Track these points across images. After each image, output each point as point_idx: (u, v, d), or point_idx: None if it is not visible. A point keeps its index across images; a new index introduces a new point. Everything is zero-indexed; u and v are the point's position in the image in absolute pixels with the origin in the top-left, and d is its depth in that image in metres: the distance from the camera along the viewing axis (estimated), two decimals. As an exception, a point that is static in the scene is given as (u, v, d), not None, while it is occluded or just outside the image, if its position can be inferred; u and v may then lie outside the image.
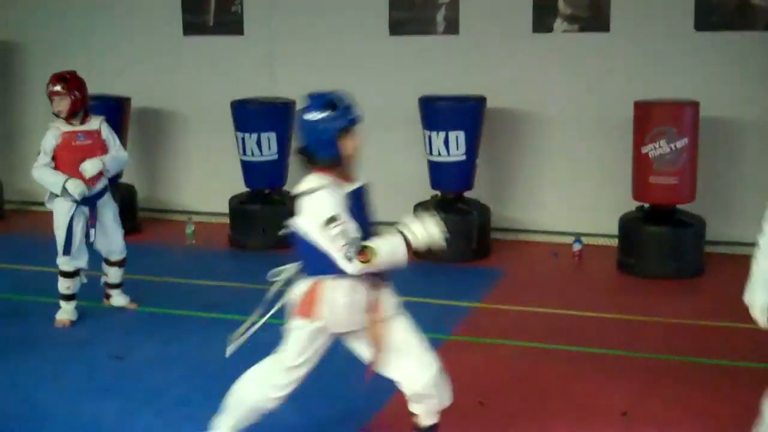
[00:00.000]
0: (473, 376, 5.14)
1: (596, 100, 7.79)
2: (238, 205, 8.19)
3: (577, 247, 7.39)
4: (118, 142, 6.19)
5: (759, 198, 7.26)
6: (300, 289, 3.86)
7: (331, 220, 3.57)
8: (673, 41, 7.60)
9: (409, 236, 3.69)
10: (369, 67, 8.44)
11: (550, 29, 7.97)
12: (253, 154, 7.97)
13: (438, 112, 7.53)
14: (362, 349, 3.90)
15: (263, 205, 8.09)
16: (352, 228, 3.61)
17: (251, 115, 8.02)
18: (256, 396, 3.99)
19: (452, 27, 8.23)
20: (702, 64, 7.54)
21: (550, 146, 8.00)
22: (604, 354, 5.43)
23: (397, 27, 8.38)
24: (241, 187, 8.27)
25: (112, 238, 6.18)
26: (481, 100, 7.61)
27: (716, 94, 7.35)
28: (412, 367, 3.86)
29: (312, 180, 3.67)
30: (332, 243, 3.58)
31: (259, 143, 7.92)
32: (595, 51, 7.84)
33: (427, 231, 3.71)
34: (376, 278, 3.80)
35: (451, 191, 7.68)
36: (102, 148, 6.00)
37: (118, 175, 7.68)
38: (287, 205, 8.03)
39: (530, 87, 7.97)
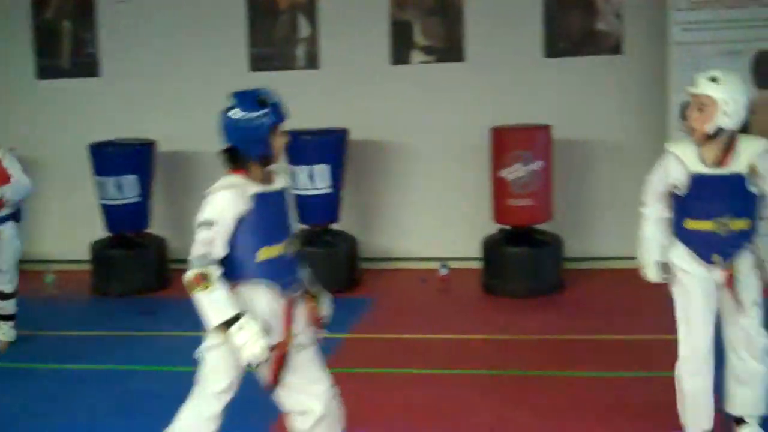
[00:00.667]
0: (349, 407, 5.12)
1: (455, 127, 7.98)
2: (99, 251, 7.95)
3: (443, 272, 7.50)
4: (18, 169, 6.11)
5: (612, 215, 7.68)
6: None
7: (205, 223, 3.48)
8: (525, 68, 7.89)
9: (233, 332, 3.50)
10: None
11: (407, 61, 8.14)
12: (114, 198, 7.77)
13: (302, 147, 7.54)
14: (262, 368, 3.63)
15: (126, 249, 7.88)
16: (219, 245, 3.50)
17: (110, 157, 7.83)
18: None
19: (312, 62, 8.29)
20: (552, 89, 7.84)
21: (414, 175, 8.14)
22: (473, 374, 5.51)
23: (257, 63, 8.38)
24: (102, 232, 8.04)
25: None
26: (343, 133, 7.68)
27: (567, 117, 7.64)
28: (305, 402, 3.76)
29: (224, 180, 3.59)
30: (194, 243, 3.50)
31: (119, 186, 7.73)
32: (452, 80, 8.04)
33: (247, 346, 3.49)
34: (292, 290, 3.67)
35: (317, 224, 7.68)
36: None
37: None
38: (151, 249, 7.92)
39: (391, 118, 8.09)
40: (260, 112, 3.59)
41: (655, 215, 4.17)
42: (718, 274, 4.03)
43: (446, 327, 6.43)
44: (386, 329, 6.45)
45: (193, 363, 5.80)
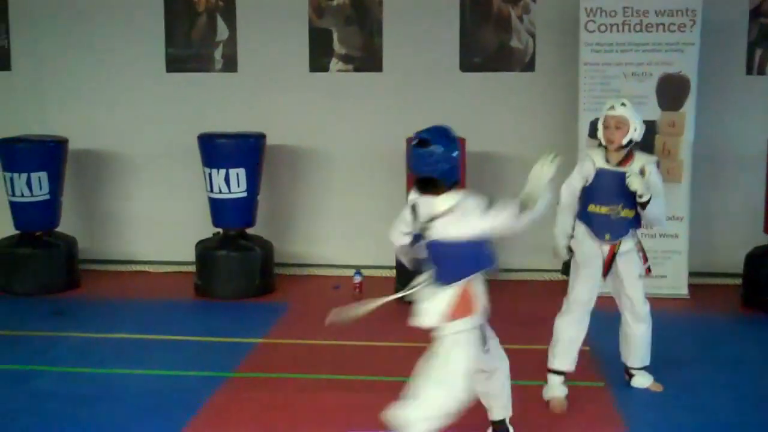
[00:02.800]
0: (259, 411, 5.18)
1: (372, 136, 8.10)
2: (6, 248, 7.77)
3: (357, 279, 7.60)
4: None
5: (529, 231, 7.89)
6: (444, 296, 4.20)
7: (490, 202, 4.12)
8: (441, 81, 8.07)
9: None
10: (146, 105, 8.34)
11: (326, 69, 8.21)
12: (23, 195, 7.61)
13: (218, 150, 7.54)
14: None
15: (34, 248, 7.72)
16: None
17: (20, 154, 7.66)
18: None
19: (230, 65, 8.29)
20: (467, 102, 8.04)
21: (330, 182, 8.22)
22: (385, 380, 5.60)
23: (174, 64, 8.33)
24: (10, 230, 7.85)
25: None
26: (260, 137, 7.70)
27: (481, 130, 7.83)
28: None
29: (451, 196, 4.13)
30: (503, 209, 4.11)
31: (29, 183, 7.57)
32: (370, 90, 8.16)
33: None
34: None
35: (233, 228, 7.68)
36: None
37: None
38: (61, 248, 7.78)
39: (308, 124, 8.16)
40: (456, 147, 4.16)
41: (568, 208, 5.20)
42: (606, 249, 5.15)
43: (359, 333, 6.47)
44: (300, 335, 6.50)
45: (101, 364, 5.81)
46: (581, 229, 5.21)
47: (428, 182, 4.16)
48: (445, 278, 4.21)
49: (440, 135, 4.15)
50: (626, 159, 5.12)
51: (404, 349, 6.18)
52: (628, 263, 5.20)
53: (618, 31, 7.35)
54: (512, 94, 8.03)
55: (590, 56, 7.39)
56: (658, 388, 5.45)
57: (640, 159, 5.15)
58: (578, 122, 7.48)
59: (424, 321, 4.33)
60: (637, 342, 5.37)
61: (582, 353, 5.84)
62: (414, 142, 4.15)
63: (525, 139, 7.98)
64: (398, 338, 6.36)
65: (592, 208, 5.17)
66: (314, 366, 5.86)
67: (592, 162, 5.16)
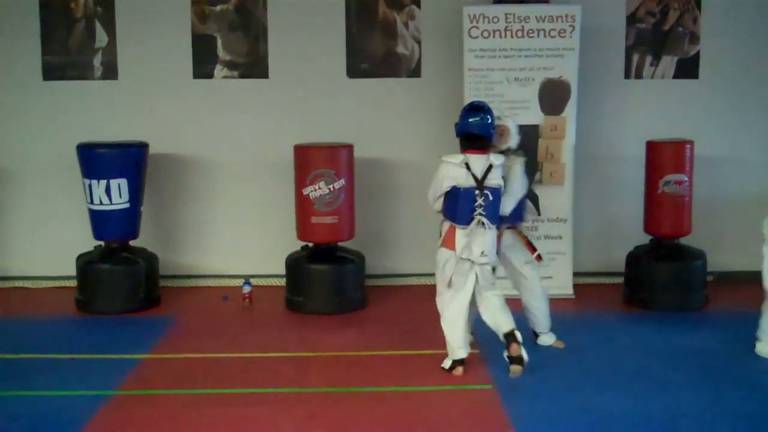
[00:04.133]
0: (144, 428, 5.01)
1: (259, 144, 8.00)
2: None
3: (246, 289, 7.47)
4: None
5: (412, 233, 7.93)
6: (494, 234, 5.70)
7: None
8: (329, 87, 8.02)
9: None
10: (22, 114, 8.01)
11: (210, 75, 8.06)
12: None
13: (98, 160, 7.29)
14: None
15: None
16: None
17: None
18: None
19: (111, 72, 8.04)
20: (355, 108, 8.02)
21: (216, 190, 8.07)
22: (273, 392, 5.52)
23: (51, 72, 8.02)
24: None
25: None
26: (143, 146, 7.49)
27: (369, 136, 7.83)
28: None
29: (496, 155, 5.74)
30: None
31: None
32: (256, 96, 8.04)
33: None
34: None
35: (115, 240, 7.44)
36: None
37: None
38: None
39: (193, 132, 8.00)
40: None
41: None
42: None
43: (249, 345, 6.41)
44: (187, 349, 6.33)
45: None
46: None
47: (485, 142, 5.64)
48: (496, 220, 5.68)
49: (488, 107, 5.74)
50: None
51: (289, 359, 6.13)
52: (515, 253, 6.15)
53: (501, 36, 7.44)
54: (399, 99, 8.04)
55: (474, 62, 7.46)
56: (560, 344, 6.27)
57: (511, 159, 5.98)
58: (464, 127, 7.53)
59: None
60: (538, 313, 6.29)
61: (472, 356, 5.92)
62: (477, 110, 5.65)
63: (412, 144, 8.02)
64: (284, 349, 6.30)
65: None
66: (199, 381, 5.70)
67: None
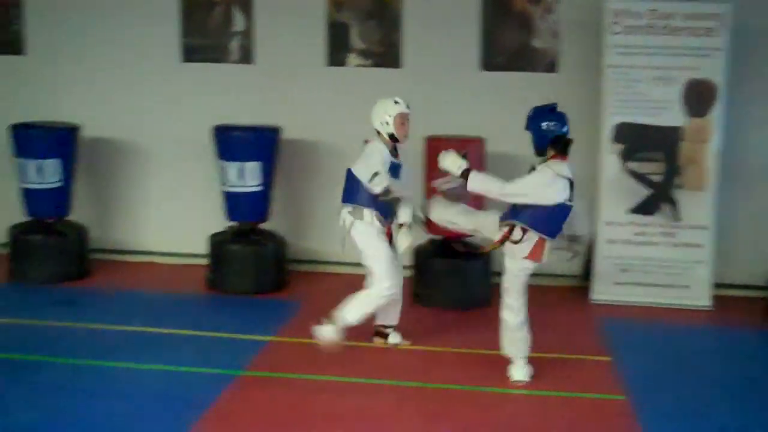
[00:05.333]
0: (268, 412, 5.07)
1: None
2: (19, 235, 7.67)
3: (370, 278, 7.46)
4: None
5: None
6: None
7: None
8: (461, 80, 7.93)
9: None
10: (161, 94, 8.23)
11: (343, 63, 8.08)
12: (35, 181, 7.51)
13: (233, 143, 7.42)
14: None
15: (45, 235, 7.62)
16: None
17: (32, 140, 7.56)
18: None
19: (247, 56, 8.16)
20: (487, 102, 7.90)
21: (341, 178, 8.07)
22: (398, 385, 5.50)
23: (189, 54, 8.21)
24: (21, 217, 7.76)
25: None
26: (276, 131, 7.58)
27: (500, 130, 7.70)
28: None
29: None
30: None
31: (41, 169, 7.47)
32: (387, 86, 7.97)
33: None
34: None
35: (246, 222, 7.57)
36: None
37: None
38: (72, 236, 7.68)
39: (325, 119, 8.03)
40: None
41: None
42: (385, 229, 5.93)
43: (368, 334, 6.40)
44: (312, 334, 6.37)
45: (110, 357, 5.71)
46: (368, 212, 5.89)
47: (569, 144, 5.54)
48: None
49: None
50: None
51: (415, 353, 6.09)
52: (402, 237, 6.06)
53: (644, 33, 7.20)
54: (533, 94, 7.78)
55: (615, 59, 7.24)
56: (406, 342, 6.18)
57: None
58: (601, 125, 7.34)
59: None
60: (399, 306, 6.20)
61: (602, 365, 5.78)
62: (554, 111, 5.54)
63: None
64: (408, 341, 6.27)
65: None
66: (325, 367, 5.74)
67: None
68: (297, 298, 7.31)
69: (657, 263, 7.42)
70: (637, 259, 7.44)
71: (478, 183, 5.53)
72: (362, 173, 5.84)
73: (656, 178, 7.37)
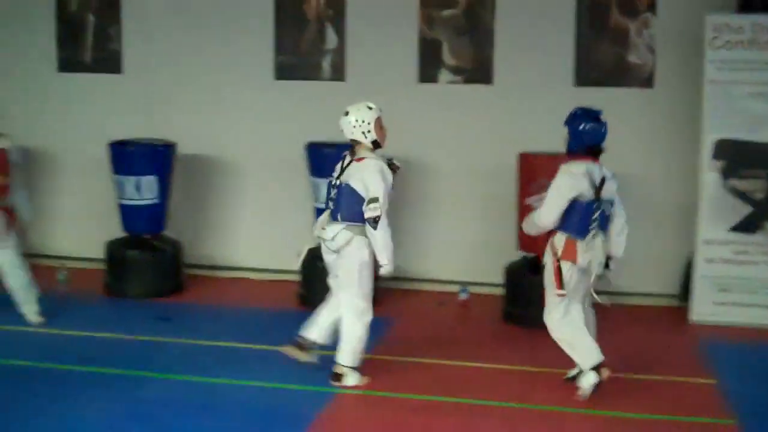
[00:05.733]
0: (371, 430, 5.05)
1: (481, 150, 7.92)
2: (116, 251, 7.83)
3: (463, 296, 7.42)
4: None
5: (634, 248, 7.60)
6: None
7: None
8: (554, 96, 7.81)
9: None
10: (254, 111, 8.33)
11: (435, 80, 8.07)
12: (132, 198, 7.66)
13: (326, 159, 7.43)
14: None
15: (141, 251, 7.77)
16: None
17: (130, 157, 7.72)
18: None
19: (338, 73, 8.21)
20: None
21: (437, 195, 8.06)
22: (498, 406, 5.42)
23: (283, 71, 8.29)
24: (118, 232, 7.92)
25: None
26: (369, 148, 7.58)
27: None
28: None
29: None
30: None
31: (138, 186, 7.63)
32: (479, 102, 7.98)
33: None
34: None
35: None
36: None
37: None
38: (167, 252, 7.80)
39: (416, 136, 8.00)
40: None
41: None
42: None
43: (469, 354, 6.32)
44: (407, 352, 6.33)
45: (207, 373, 5.76)
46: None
47: (600, 151, 5.55)
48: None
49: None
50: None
51: (513, 374, 5.98)
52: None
53: (746, 48, 7.01)
54: (630, 111, 7.72)
55: (715, 74, 7.06)
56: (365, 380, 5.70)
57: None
58: (701, 142, 7.16)
59: None
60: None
61: (706, 387, 5.61)
62: (598, 118, 5.52)
63: (641, 158, 7.70)
64: (504, 361, 6.17)
65: None
66: (423, 386, 5.69)
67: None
68: (388, 315, 7.27)
69: (759, 283, 7.20)
70: (738, 279, 7.23)
71: (525, 226, 5.82)
72: (371, 191, 5.53)
73: (758, 196, 7.16)
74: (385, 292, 7.81)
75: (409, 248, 8.11)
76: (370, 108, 5.69)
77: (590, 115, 5.57)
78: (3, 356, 6.02)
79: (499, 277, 7.43)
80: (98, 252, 8.03)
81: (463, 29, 8.00)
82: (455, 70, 8.06)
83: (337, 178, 5.65)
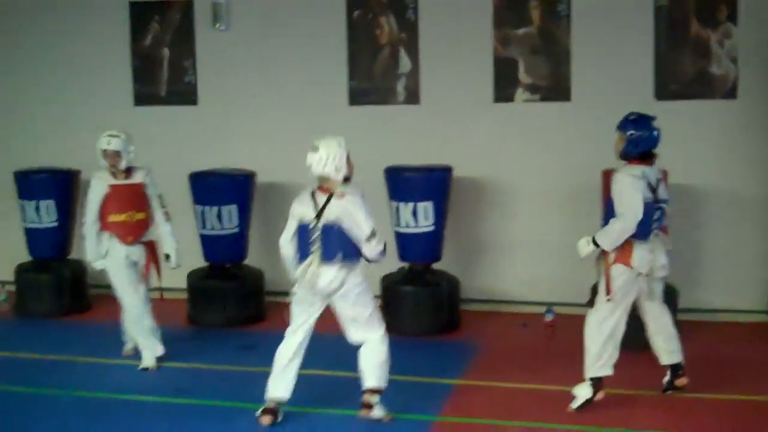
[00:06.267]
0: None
1: (561, 168, 7.81)
2: (197, 280, 7.87)
3: (549, 317, 7.30)
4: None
5: (724, 266, 7.42)
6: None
7: None
8: (634, 109, 7.65)
9: None
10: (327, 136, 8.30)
11: (511, 99, 7.99)
12: (213, 228, 7.70)
13: (405, 183, 7.42)
14: None
15: (223, 280, 7.81)
16: None
17: (211, 187, 7.77)
18: None
19: (413, 97, 8.18)
20: (663, 132, 7.58)
21: (517, 215, 7.97)
22: (598, 430, 5.29)
23: (356, 97, 8.29)
24: (202, 262, 7.96)
25: None
26: (448, 170, 7.54)
27: (678, 161, 7.40)
28: None
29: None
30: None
31: (219, 216, 7.67)
32: (557, 120, 7.88)
33: None
34: None
35: (419, 263, 7.53)
36: None
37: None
38: (249, 280, 7.81)
39: (494, 156, 7.95)
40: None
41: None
42: None
43: (562, 377, 6.17)
44: (497, 377, 6.23)
45: (306, 402, 5.70)
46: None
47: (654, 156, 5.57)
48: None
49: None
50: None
51: (614, 397, 5.81)
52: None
53: (836, 54, 6.82)
54: (713, 123, 7.57)
55: (804, 83, 6.88)
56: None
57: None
58: (790, 153, 6.99)
59: None
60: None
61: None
62: (652, 123, 5.56)
63: (726, 172, 7.54)
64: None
65: None
66: (520, 412, 5.58)
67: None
68: (473, 339, 7.19)
69: None
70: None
71: (606, 241, 5.51)
72: (364, 227, 5.33)
73: None
74: (468, 315, 7.75)
75: (492, 270, 8.05)
76: (340, 144, 5.52)
77: (645, 120, 5.58)
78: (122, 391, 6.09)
79: (583, 297, 7.27)
80: (181, 282, 8.07)
81: (539, 47, 7.92)
82: (531, 89, 7.98)
83: (316, 218, 5.33)
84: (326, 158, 5.40)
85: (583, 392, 5.51)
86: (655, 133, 5.53)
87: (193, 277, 7.91)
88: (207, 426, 5.48)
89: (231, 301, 7.75)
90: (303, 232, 5.38)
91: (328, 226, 5.29)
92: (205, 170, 7.89)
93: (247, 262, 8.02)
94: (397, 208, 7.41)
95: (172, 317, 7.88)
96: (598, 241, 5.53)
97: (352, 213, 5.33)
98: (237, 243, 7.81)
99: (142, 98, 8.79)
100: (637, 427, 5.34)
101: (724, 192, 7.50)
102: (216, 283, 7.80)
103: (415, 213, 7.33)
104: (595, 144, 7.68)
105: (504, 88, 8.00)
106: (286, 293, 8.38)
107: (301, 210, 5.43)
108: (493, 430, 5.34)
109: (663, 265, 5.55)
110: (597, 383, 5.50)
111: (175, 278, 8.17)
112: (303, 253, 5.38)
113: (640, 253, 5.41)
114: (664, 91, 7.67)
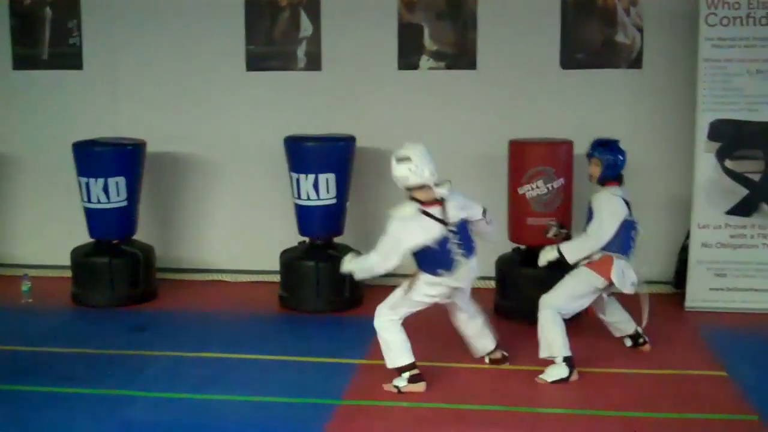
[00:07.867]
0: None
1: (467, 138, 7.60)
2: (82, 257, 7.37)
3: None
4: None
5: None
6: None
7: None
8: (541, 79, 7.55)
9: None
10: (225, 105, 7.91)
11: (416, 66, 7.72)
12: (99, 201, 7.20)
13: (306, 153, 7.07)
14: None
15: (111, 257, 7.31)
16: None
17: (97, 157, 7.25)
18: None
19: (314, 63, 7.82)
20: (569, 101, 7.50)
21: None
22: (532, 412, 5.12)
23: (254, 62, 7.88)
24: (85, 238, 7.45)
25: None
26: (351, 140, 7.23)
27: (583, 131, 7.27)
28: None
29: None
30: None
31: (106, 189, 7.17)
32: (463, 88, 7.66)
33: None
34: None
35: (320, 237, 7.21)
36: None
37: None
38: (139, 257, 7.35)
39: (398, 126, 7.65)
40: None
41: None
42: None
43: (467, 354, 6.00)
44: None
45: (195, 389, 5.36)
46: None
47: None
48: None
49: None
50: None
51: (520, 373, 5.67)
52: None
53: (742, 24, 6.78)
54: (618, 92, 7.48)
55: (711, 52, 6.81)
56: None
57: None
58: (696, 123, 6.92)
59: None
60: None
61: (721, 381, 5.39)
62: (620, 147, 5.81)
63: (632, 141, 7.38)
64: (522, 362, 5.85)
65: None
66: (426, 393, 5.35)
67: None
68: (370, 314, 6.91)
69: (755, 267, 7.00)
70: (734, 263, 7.03)
71: (573, 256, 5.69)
72: (477, 209, 5.69)
73: (755, 177, 6.94)
74: (369, 291, 7.49)
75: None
76: (423, 146, 5.55)
77: (615, 144, 5.85)
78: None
79: (490, 270, 7.11)
80: (64, 259, 7.54)
81: (444, 13, 7.67)
82: (437, 56, 7.72)
83: (445, 225, 5.30)
84: (421, 165, 5.30)
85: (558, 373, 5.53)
86: (624, 155, 5.82)
87: (78, 253, 7.39)
88: (95, 416, 5.05)
89: (119, 279, 7.26)
90: (444, 244, 5.29)
91: (460, 226, 5.34)
92: (90, 139, 7.35)
93: (136, 237, 7.54)
94: (298, 180, 7.05)
95: (55, 297, 7.39)
96: (565, 254, 5.69)
97: (460, 202, 5.39)
98: (125, 217, 7.31)
99: (22, 62, 8.16)
100: (545, 405, 5.19)
101: (629, 161, 7.37)
102: (102, 260, 7.28)
103: (316, 185, 7.00)
104: (501, 113, 7.55)
105: (408, 55, 7.72)
106: (179, 270, 8.07)
107: (425, 234, 5.29)
108: (400, 412, 5.11)
109: (636, 282, 5.67)
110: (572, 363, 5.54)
111: (58, 255, 7.72)
112: (446, 263, 5.31)
113: (619, 269, 5.58)
114: (571, 60, 7.53)
